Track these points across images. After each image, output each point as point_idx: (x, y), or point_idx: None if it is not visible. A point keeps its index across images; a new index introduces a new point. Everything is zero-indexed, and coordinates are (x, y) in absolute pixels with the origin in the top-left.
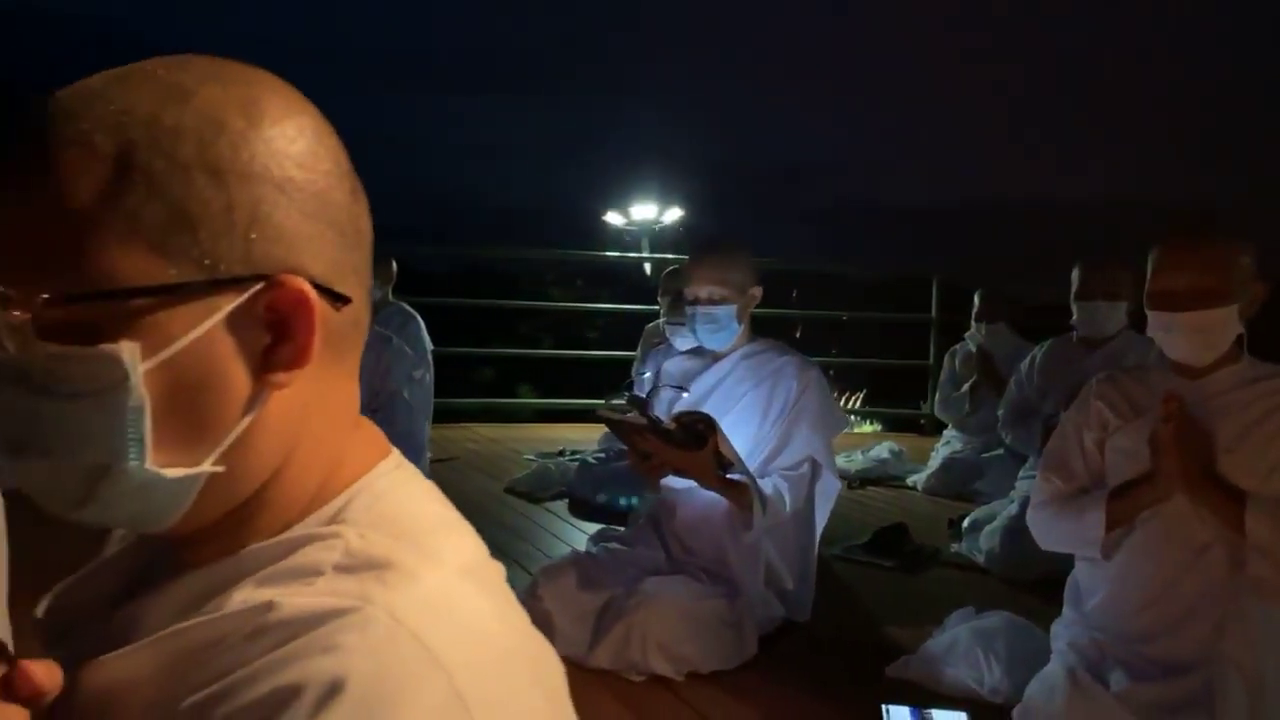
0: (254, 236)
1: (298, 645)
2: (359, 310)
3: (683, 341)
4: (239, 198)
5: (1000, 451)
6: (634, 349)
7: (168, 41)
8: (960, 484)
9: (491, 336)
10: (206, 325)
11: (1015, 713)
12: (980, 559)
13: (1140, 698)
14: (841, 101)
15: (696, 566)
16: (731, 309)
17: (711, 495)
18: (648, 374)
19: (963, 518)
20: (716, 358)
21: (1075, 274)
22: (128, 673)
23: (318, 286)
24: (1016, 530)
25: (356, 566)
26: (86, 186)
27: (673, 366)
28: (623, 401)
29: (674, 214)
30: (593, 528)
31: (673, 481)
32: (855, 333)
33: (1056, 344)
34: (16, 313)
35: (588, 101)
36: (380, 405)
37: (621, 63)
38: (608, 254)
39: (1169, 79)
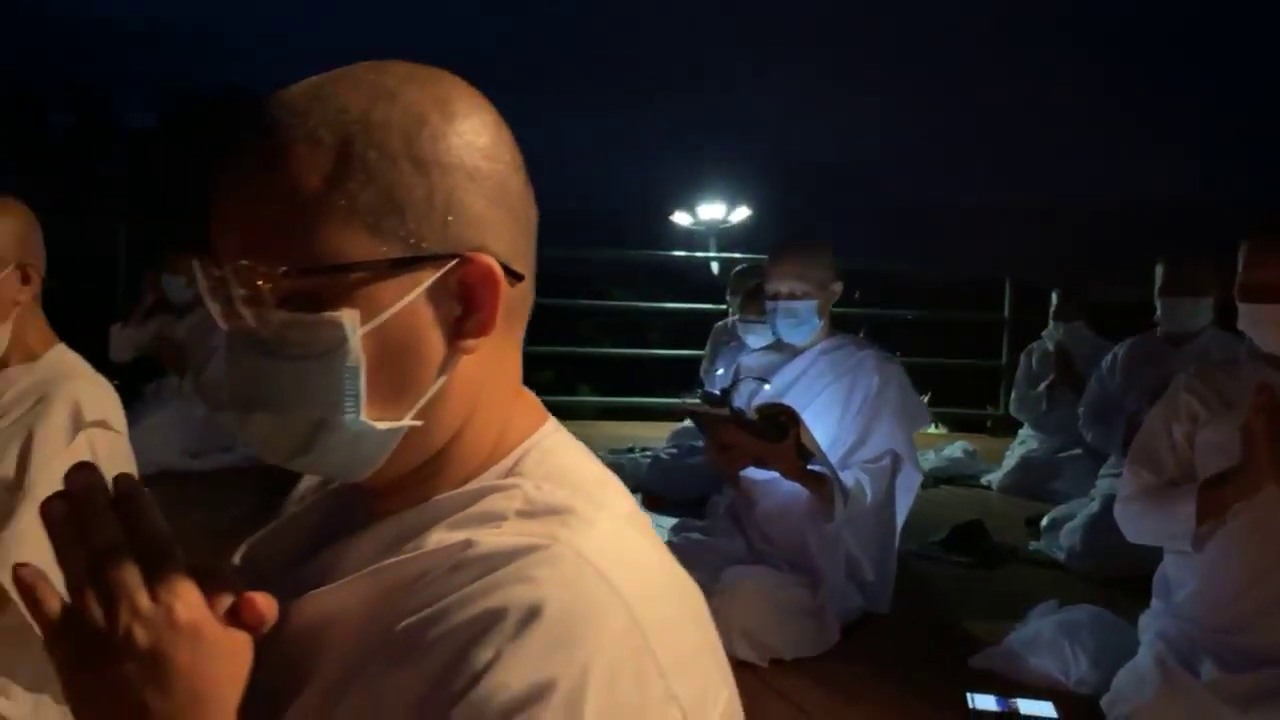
0: (450, 219)
1: (497, 576)
2: (528, 288)
3: (755, 339)
4: (438, 185)
5: (1078, 451)
6: (695, 348)
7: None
8: (1036, 483)
9: (552, 337)
10: (411, 296)
11: (1103, 703)
12: (1061, 556)
13: (1231, 688)
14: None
15: (777, 557)
16: (812, 304)
17: (792, 487)
18: (720, 371)
19: (1040, 516)
20: (795, 353)
21: (1159, 270)
22: (335, 605)
23: (499, 265)
24: (1099, 527)
25: (537, 512)
26: (314, 175)
27: (751, 361)
28: (696, 400)
29: (741, 213)
30: (668, 521)
31: (753, 473)
32: (921, 333)
33: (1139, 341)
34: (260, 283)
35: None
36: None
37: (690, 63)
38: (674, 253)
39: (1245, 74)
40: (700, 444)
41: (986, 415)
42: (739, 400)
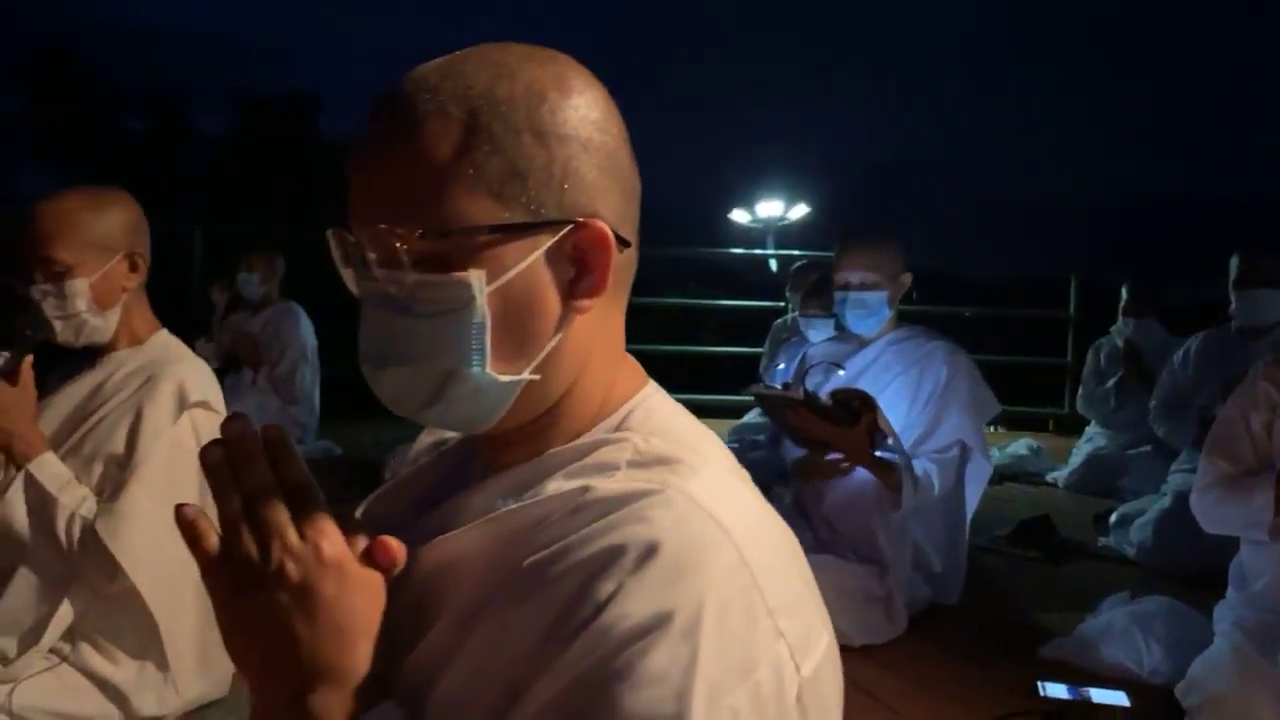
0: (567, 186)
1: (616, 517)
2: (633, 254)
3: (817, 334)
4: (556, 154)
5: (1146, 448)
6: (750, 345)
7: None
8: (1104, 481)
9: None
10: (531, 259)
11: (1178, 691)
12: (1130, 552)
13: None
14: (974, 98)
15: (844, 547)
16: (882, 295)
17: (859, 477)
18: (781, 366)
19: (1109, 512)
20: (863, 343)
21: (1234, 263)
22: (460, 549)
23: (610, 230)
24: (1171, 523)
25: (646, 462)
26: (445, 146)
27: (818, 352)
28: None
29: (800, 210)
30: None
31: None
32: (981, 332)
33: (1213, 335)
34: (398, 245)
35: (715, 102)
36: None
37: (752, 64)
38: (733, 250)
39: None
40: (762, 438)
41: (1048, 415)
42: (811, 384)
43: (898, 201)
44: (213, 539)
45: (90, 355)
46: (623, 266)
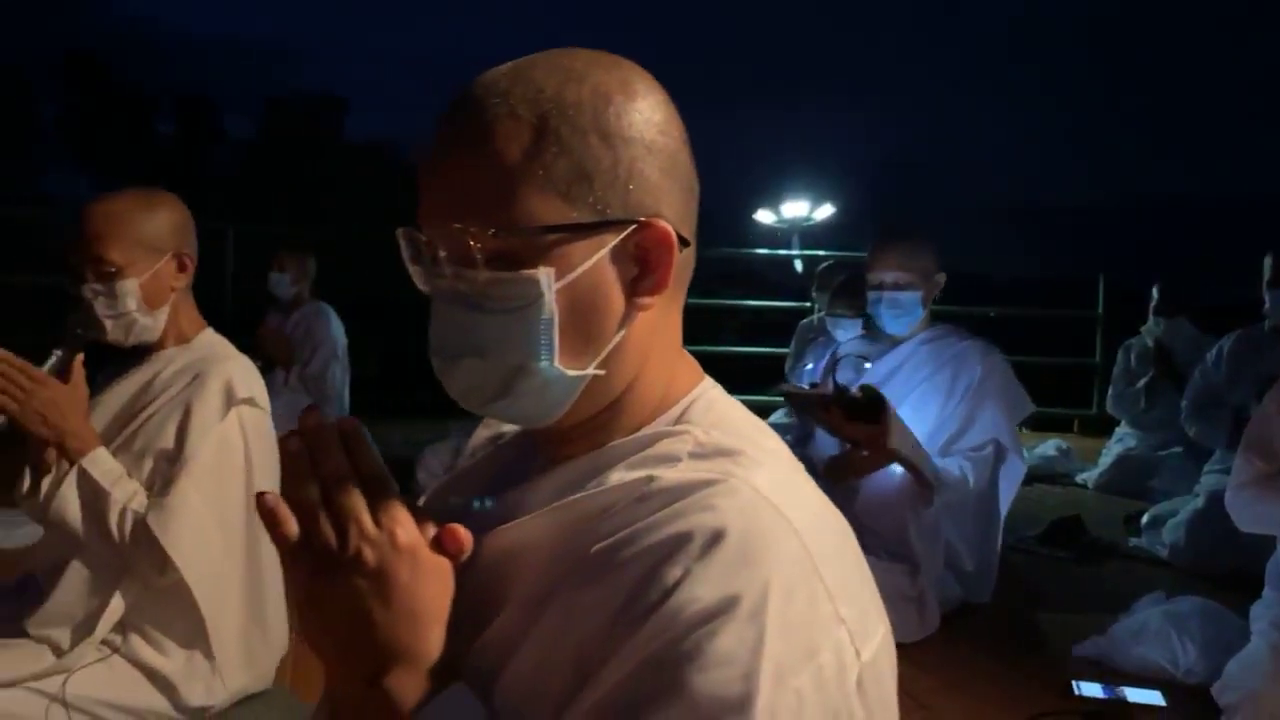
0: (631, 187)
1: (681, 505)
2: (692, 253)
3: (845, 334)
4: (622, 156)
5: (1177, 449)
6: (772, 345)
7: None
8: (1134, 482)
9: None
10: (597, 257)
11: (1214, 690)
12: (1163, 553)
13: None
14: (1001, 99)
15: (875, 545)
16: (916, 294)
17: (891, 475)
18: (809, 366)
19: (1139, 514)
20: (895, 342)
21: (1267, 262)
22: (526, 536)
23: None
24: (1204, 523)
25: (708, 454)
26: (516, 148)
27: (850, 349)
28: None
29: (825, 211)
30: None
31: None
32: (1007, 332)
33: (1246, 334)
34: (471, 243)
35: (741, 102)
36: None
37: (778, 64)
38: (758, 251)
39: None
40: (789, 438)
41: (1073, 415)
42: (841, 376)
43: (922, 201)
44: (292, 526)
45: (138, 354)
46: (682, 265)
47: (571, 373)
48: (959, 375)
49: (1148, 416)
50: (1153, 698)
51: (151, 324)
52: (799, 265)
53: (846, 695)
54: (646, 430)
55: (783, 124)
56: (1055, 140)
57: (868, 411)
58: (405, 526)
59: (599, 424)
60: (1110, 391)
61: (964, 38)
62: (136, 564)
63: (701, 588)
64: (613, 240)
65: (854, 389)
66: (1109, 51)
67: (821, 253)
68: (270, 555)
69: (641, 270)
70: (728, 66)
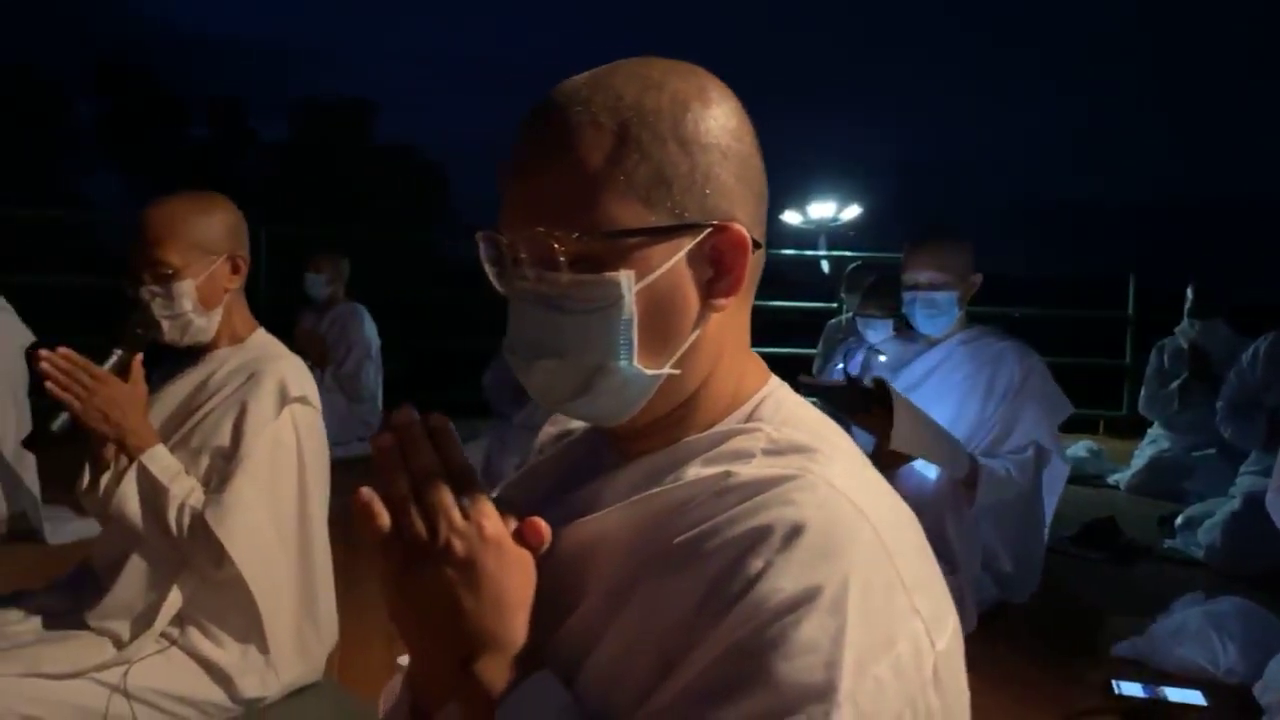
0: (708, 192)
1: (761, 500)
2: (763, 255)
3: (875, 335)
4: (699, 162)
5: (1211, 451)
6: (794, 346)
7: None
8: (1167, 483)
9: None
10: (675, 259)
11: (1255, 689)
12: (1199, 554)
13: None
14: (1031, 97)
15: None
16: (952, 295)
17: (928, 476)
18: (840, 367)
19: (1173, 515)
20: (931, 343)
21: None
22: (604, 529)
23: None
24: (1240, 525)
25: (781, 450)
26: (598, 155)
27: (886, 348)
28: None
29: (852, 211)
30: None
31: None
32: (1028, 332)
33: None
34: (556, 247)
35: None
36: None
37: (804, 63)
38: (784, 251)
39: None
40: None
41: (1098, 416)
42: (853, 366)
43: (950, 201)
44: (385, 518)
45: (193, 353)
46: (755, 266)
47: (649, 371)
48: (997, 377)
49: (1181, 418)
50: (1193, 697)
51: (206, 324)
52: (826, 266)
53: (923, 684)
54: (719, 427)
55: (810, 124)
56: (1085, 140)
57: (877, 402)
58: (491, 519)
59: (672, 421)
60: (1143, 393)
61: (991, 37)
62: (194, 558)
63: (783, 579)
64: (689, 243)
65: (867, 381)
66: (1141, 49)
67: (849, 253)
68: (322, 550)
69: (716, 272)
70: (756, 67)
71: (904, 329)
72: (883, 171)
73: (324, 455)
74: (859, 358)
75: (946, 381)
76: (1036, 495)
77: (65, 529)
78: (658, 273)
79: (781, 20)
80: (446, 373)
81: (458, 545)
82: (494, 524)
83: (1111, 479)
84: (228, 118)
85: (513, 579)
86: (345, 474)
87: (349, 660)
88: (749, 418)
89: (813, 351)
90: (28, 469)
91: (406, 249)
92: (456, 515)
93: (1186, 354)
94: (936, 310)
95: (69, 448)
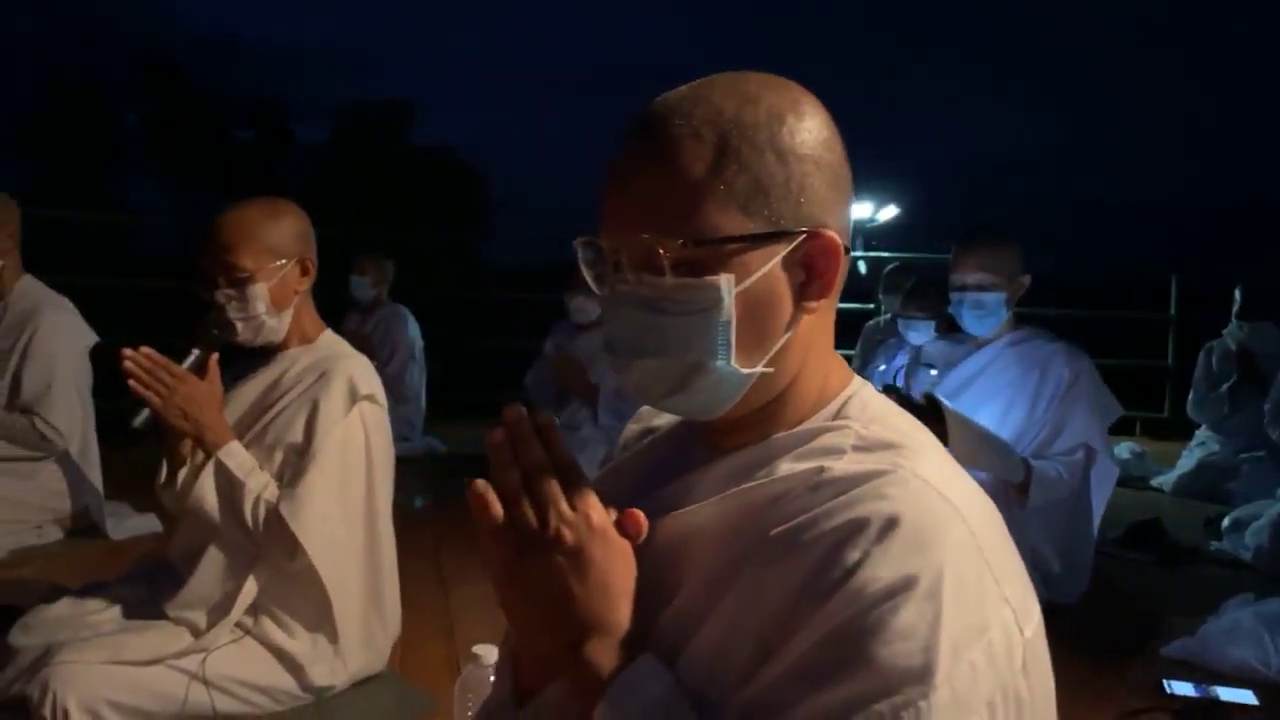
0: (802, 200)
1: (855, 494)
2: (848, 259)
3: (917, 336)
4: (794, 171)
5: (1260, 454)
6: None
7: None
8: (1213, 486)
9: None
10: (771, 264)
11: None
12: (1246, 556)
13: None
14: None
15: None
16: (1000, 296)
17: (975, 476)
18: (882, 368)
19: (1219, 517)
20: (979, 344)
21: None
22: (699, 521)
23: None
24: None
25: (871, 447)
26: (700, 166)
27: (933, 350)
28: None
29: (889, 212)
30: None
31: None
32: (1066, 333)
33: None
34: (661, 252)
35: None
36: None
37: (838, 62)
38: None
39: None
40: None
41: (1135, 418)
42: (916, 389)
43: (988, 201)
44: (498, 509)
45: (264, 354)
46: (841, 270)
47: (744, 370)
48: (1046, 379)
49: (1231, 421)
50: (1245, 697)
51: (278, 325)
52: (863, 267)
53: (1014, 670)
54: (808, 424)
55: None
56: (1126, 139)
57: (931, 417)
58: (597, 510)
59: (762, 417)
60: (1191, 396)
61: (1028, 34)
62: (268, 550)
63: (880, 568)
64: (785, 249)
65: (915, 393)
66: (1181, 47)
67: (885, 254)
68: (387, 543)
69: (808, 276)
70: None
71: (947, 329)
72: (918, 172)
73: (390, 452)
74: (899, 360)
75: (995, 383)
76: (1085, 496)
77: (125, 524)
78: (755, 277)
79: (815, 21)
80: (486, 374)
81: (567, 534)
82: (600, 515)
83: (1155, 481)
84: (268, 121)
85: (617, 567)
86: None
87: (405, 652)
88: (836, 415)
89: (850, 353)
90: (92, 466)
91: (445, 250)
92: (565, 506)
93: (1235, 356)
94: (984, 311)
95: (130, 447)
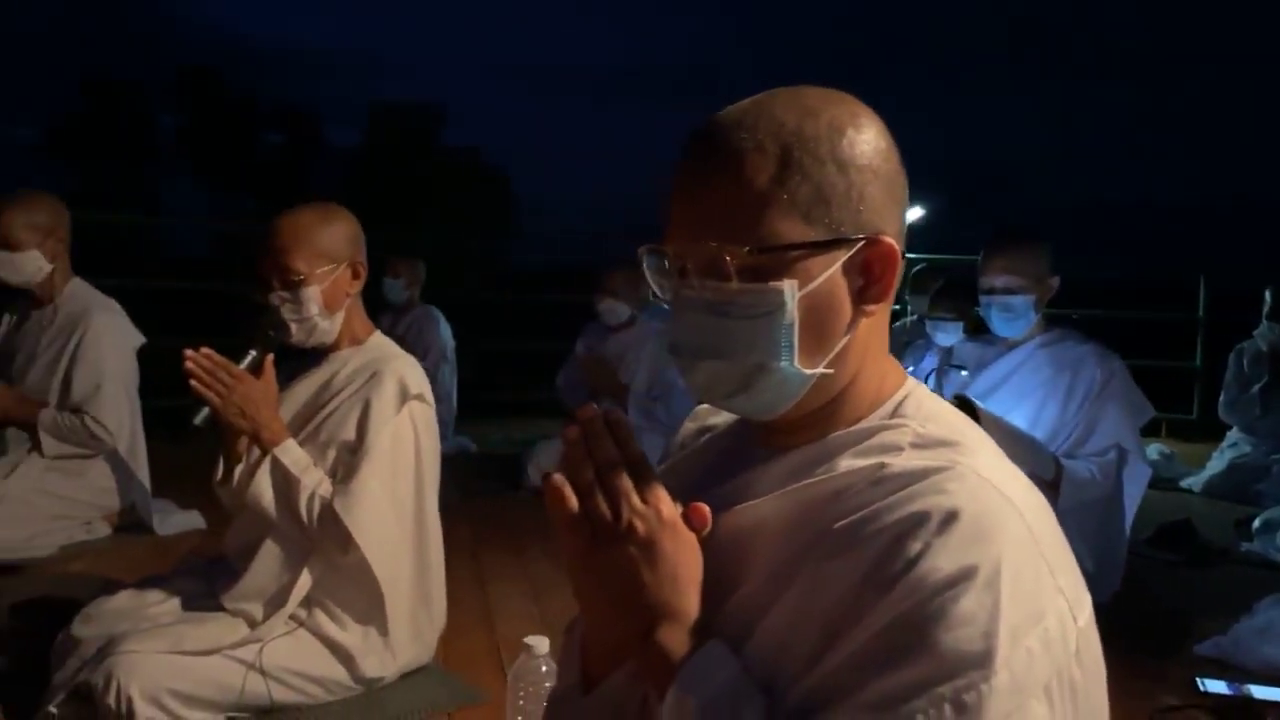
0: (861, 209)
1: (916, 489)
2: (904, 264)
3: (945, 337)
4: (854, 181)
5: None
6: None
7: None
8: (1243, 487)
9: None
10: (831, 270)
11: None
12: (1277, 557)
13: None
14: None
15: None
16: (1028, 299)
17: None
18: (911, 369)
19: (1251, 518)
20: (1010, 346)
21: None
22: (762, 515)
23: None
24: None
25: (928, 444)
26: (764, 177)
27: (965, 351)
28: None
29: (914, 213)
30: None
31: None
32: (1095, 334)
33: None
34: (728, 259)
35: None
36: (660, 394)
37: (859, 63)
38: None
39: None
40: None
41: (1161, 419)
42: (948, 390)
43: (1012, 202)
44: (573, 502)
45: (315, 354)
46: (898, 275)
47: (806, 371)
48: (1078, 379)
49: (1263, 423)
50: (1278, 695)
51: (330, 327)
52: None
53: (1068, 656)
54: (865, 423)
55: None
56: (1151, 139)
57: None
58: (667, 503)
59: (821, 417)
60: (1222, 398)
61: (1049, 33)
62: (322, 544)
63: (941, 559)
64: (845, 255)
65: (947, 395)
66: (1207, 44)
67: (911, 255)
68: (435, 538)
69: (867, 281)
70: (817, 64)
71: (975, 330)
72: (941, 172)
73: (437, 450)
74: (928, 362)
75: (1027, 383)
76: (1118, 496)
77: (171, 521)
78: (817, 282)
79: (839, 21)
80: (514, 374)
81: (639, 526)
82: (669, 508)
83: (1184, 483)
84: (300, 124)
85: (686, 557)
86: None
87: (448, 646)
88: (893, 414)
89: None
90: (140, 464)
91: (473, 251)
92: (637, 499)
93: (1267, 358)
94: (1013, 314)
95: (178, 446)
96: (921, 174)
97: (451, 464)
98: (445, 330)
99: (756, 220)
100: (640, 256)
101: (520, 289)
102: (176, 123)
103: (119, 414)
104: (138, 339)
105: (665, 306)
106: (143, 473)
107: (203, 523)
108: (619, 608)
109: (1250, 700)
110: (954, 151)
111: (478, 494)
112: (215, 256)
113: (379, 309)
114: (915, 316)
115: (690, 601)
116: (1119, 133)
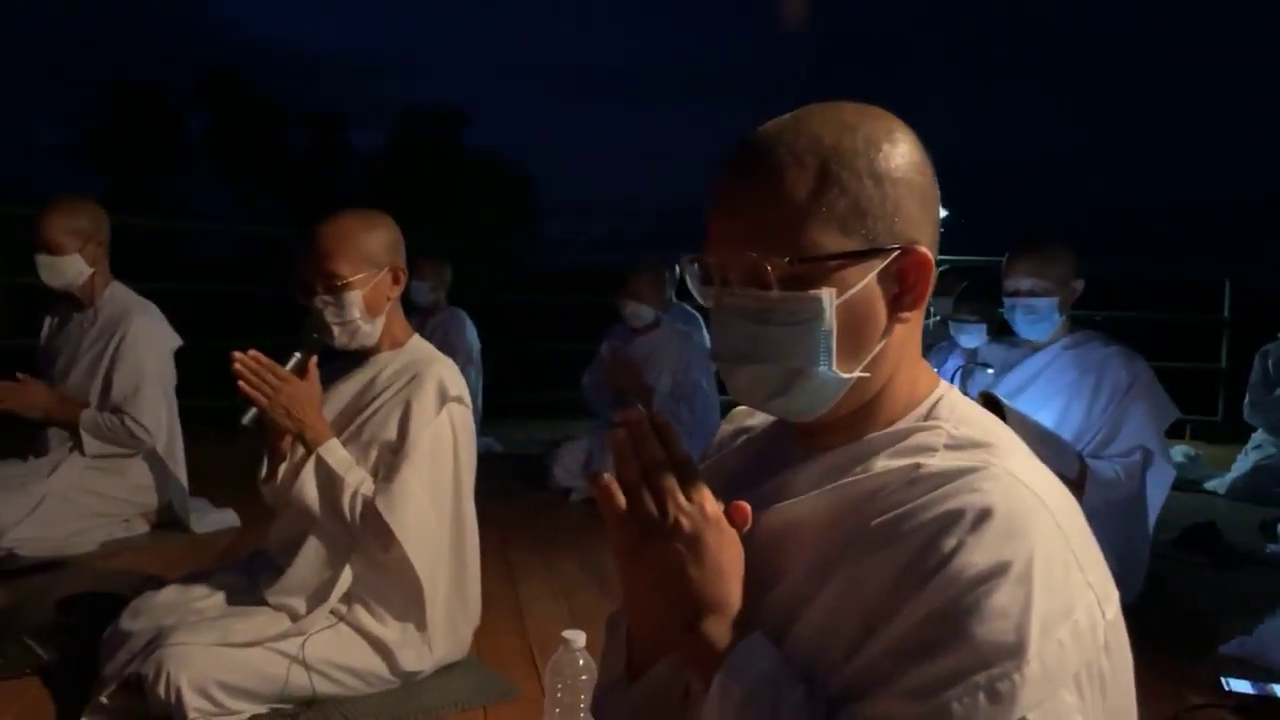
0: (896, 220)
1: (950, 488)
2: (937, 272)
3: (969, 339)
4: (889, 193)
5: None
6: None
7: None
8: (1268, 489)
9: None
10: (868, 279)
11: None
12: None
13: None
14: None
15: None
16: (1052, 301)
17: None
18: (935, 370)
19: (1276, 520)
20: (1035, 348)
21: None
22: (801, 513)
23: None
24: None
25: (961, 445)
26: (803, 190)
27: (990, 353)
28: None
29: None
30: None
31: None
32: (1118, 336)
33: None
34: (769, 268)
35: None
36: (684, 395)
37: (873, 64)
38: None
39: None
40: None
41: (1185, 421)
42: (973, 389)
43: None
44: (621, 499)
45: (356, 357)
46: (931, 282)
47: (844, 375)
48: (1103, 381)
49: None
50: None
51: (371, 330)
52: None
53: (1097, 648)
54: (900, 425)
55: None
56: (1177, 140)
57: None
58: (710, 501)
59: (857, 419)
60: (1247, 399)
61: (1067, 32)
62: (364, 541)
63: (975, 555)
64: (880, 265)
65: (973, 394)
66: (1231, 40)
67: (943, 257)
68: (472, 536)
69: (901, 289)
70: (823, 67)
71: (999, 332)
72: (963, 174)
73: (474, 450)
74: (951, 363)
75: (1052, 385)
76: (1142, 497)
77: (207, 519)
78: (854, 290)
79: (860, 22)
80: (538, 375)
81: (685, 523)
82: (713, 505)
83: (1209, 485)
84: (325, 127)
85: (729, 552)
86: None
87: (482, 641)
88: (927, 416)
89: None
90: (178, 463)
91: (496, 253)
92: (682, 497)
93: None
94: (1037, 316)
95: (211, 445)
96: (942, 175)
97: (478, 465)
98: (471, 332)
99: (796, 232)
100: (682, 265)
101: (543, 290)
102: (207, 128)
103: (157, 414)
104: (175, 341)
105: (689, 309)
106: (180, 471)
107: (238, 521)
108: (665, 600)
109: (1275, 699)
110: (977, 152)
111: (504, 495)
112: (247, 256)
113: (405, 311)
114: (938, 318)
115: (733, 595)
116: (1144, 133)
